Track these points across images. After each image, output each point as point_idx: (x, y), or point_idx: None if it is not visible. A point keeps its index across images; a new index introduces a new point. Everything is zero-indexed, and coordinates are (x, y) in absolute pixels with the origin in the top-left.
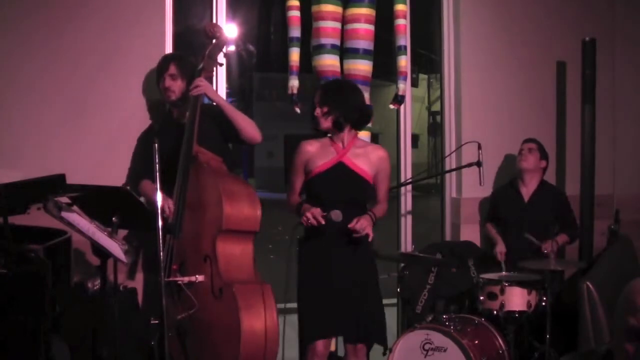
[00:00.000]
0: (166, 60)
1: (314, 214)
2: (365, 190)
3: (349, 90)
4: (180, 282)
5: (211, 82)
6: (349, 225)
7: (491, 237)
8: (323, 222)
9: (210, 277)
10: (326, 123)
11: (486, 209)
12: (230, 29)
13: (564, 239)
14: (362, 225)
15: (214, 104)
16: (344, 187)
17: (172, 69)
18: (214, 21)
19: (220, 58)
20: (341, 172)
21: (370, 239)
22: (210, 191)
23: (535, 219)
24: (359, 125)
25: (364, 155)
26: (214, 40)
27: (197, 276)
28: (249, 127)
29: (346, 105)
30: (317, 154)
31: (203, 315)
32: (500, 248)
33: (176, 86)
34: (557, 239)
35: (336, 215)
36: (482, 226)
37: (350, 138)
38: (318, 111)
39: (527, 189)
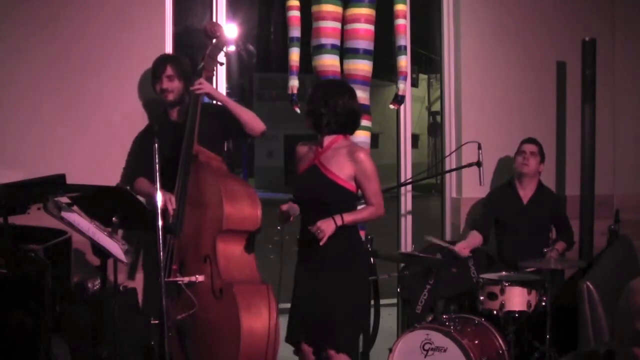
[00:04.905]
0: (162, 61)
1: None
2: (334, 194)
3: (333, 92)
4: (180, 282)
5: (211, 82)
6: (309, 228)
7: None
8: (289, 219)
9: (210, 277)
10: (308, 122)
11: (477, 211)
12: (230, 29)
13: (562, 247)
14: (318, 228)
15: (214, 102)
16: (313, 190)
17: (169, 70)
18: (214, 21)
19: (221, 57)
20: (313, 175)
21: (321, 243)
22: (210, 191)
23: (533, 223)
24: (343, 130)
25: (339, 158)
26: (214, 40)
27: (197, 276)
28: (252, 120)
29: (326, 108)
30: (305, 155)
31: (203, 315)
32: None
33: (174, 86)
34: (557, 247)
35: (290, 208)
36: (468, 228)
37: (330, 140)
38: (305, 109)
39: (526, 192)
